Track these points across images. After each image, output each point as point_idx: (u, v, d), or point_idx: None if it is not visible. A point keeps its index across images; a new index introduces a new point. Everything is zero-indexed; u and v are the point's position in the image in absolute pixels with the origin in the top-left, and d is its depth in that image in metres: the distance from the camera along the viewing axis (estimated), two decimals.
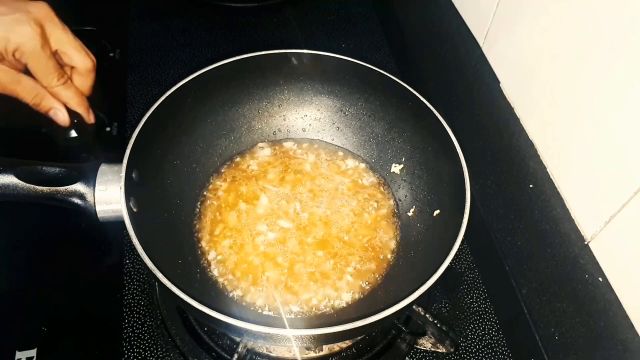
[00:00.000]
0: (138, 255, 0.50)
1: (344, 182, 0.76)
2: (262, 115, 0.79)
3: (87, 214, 0.55)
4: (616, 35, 0.47)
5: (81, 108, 0.64)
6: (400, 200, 0.75)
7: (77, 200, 0.54)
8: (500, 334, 0.71)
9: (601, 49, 0.49)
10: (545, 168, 0.60)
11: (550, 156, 0.59)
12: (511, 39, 0.65)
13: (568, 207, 0.56)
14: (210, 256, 0.68)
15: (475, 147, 0.74)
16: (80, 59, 0.61)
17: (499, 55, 0.69)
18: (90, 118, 0.66)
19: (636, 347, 0.48)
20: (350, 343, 0.66)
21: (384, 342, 0.67)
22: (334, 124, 0.80)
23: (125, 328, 0.68)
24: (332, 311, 0.65)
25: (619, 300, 0.50)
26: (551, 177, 0.59)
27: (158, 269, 0.49)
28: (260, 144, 0.80)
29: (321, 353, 0.65)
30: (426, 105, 0.67)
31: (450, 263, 0.52)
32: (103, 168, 0.56)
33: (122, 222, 0.53)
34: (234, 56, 0.70)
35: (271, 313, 0.64)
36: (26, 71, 0.59)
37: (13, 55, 0.56)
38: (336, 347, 0.66)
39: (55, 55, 0.59)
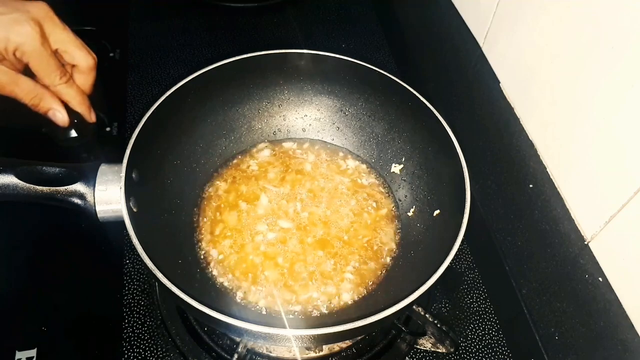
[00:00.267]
0: (138, 255, 0.50)
1: (344, 182, 0.76)
2: (262, 115, 0.79)
3: (87, 214, 0.55)
4: (616, 35, 0.47)
5: (83, 107, 0.64)
6: (400, 200, 0.75)
7: (77, 200, 0.54)
8: (500, 334, 0.71)
9: (601, 49, 0.49)
10: (545, 168, 0.60)
11: (550, 156, 0.59)
12: (511, 39, 0.65)
13: (568, 207, 0.56)
14: (210, 256, 0.68)
15: (475, 147, 0.74)
16: (82, 57, 0.61)
17: (499, 55, 0.69)
18: (91, 117, 0.66)
19: (636, 347, 0.48)
20: (350, 343, 0.66)
21: (384, 342, 0.67)
22: (334, 124, 0.80)
23: (125, 328, 0.68)
24: (332, 311, 0.64)
25: (619, 300, 0.50)
26: (551, 177, 0.59)
27: (158, 269, 0.49)
28: (260, 144, 0.80)
29: (321, 353, 0.65)
30: (426, 105, 0.67)
31: (450, 263, 0.52)
32: (103, 168, 0.56)
33: (122, 222, 0.53)
34: (234, 56, 0.70)
35: (271, 313, 0.64)
36: (28, 72, 0.59)
37: (14, 55, 0.56)
38: (336, 347, 0.66)
39: (55, 54, 0.59)
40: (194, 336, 0.66)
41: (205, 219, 0.71)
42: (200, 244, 0.69)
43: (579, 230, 0.55)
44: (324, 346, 0.65)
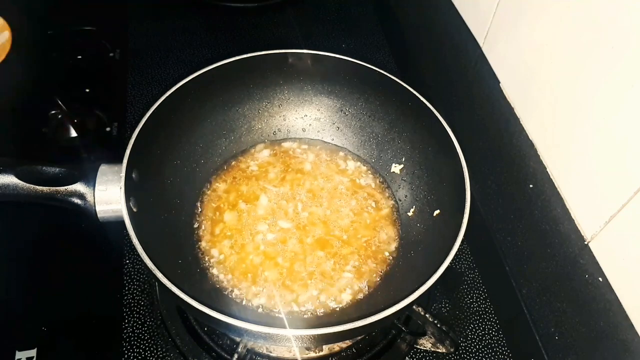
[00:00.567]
0: (138, 255, 0.50)
1: (344, 182, 0.76)
2: (262, 115, 0.79)
3: (87, 214, 0.55)
4: (616, 35, 0.47)
5: None
6: (400, 200, 0.75)
7: (77, 200, 0.54)
8: (500, 334, 0.71)
9: (601, 49, 0.49)
10: (545, 168, 0.60)
11: (550, 156, 0.59)
12: (511, 39, 0.65)
13: (568, 207, 0.56)
14: (210, 256, 0.68)
15: (475, 147, 0.74)
16: None
17: (499, 55, 0.69)
18: None
19: (636, 347, 0.48)
20: (350, 343, 0.66)
21: (384, 342, 0.67)
22: (334, 124, 0.80)
23: (125, 328, 0.68)
24: (332, 311, 0.65)
25: (619, 300, 0.50)
26: (551, 177, 0.59)
27: (158, 269, 0.49)
28: (260, 144, 0.80)
29: (321, 353, 0.65)
30: (426, 105, 0.67)
31: (450, 263, 0.52)
32: (103, 168, 0.56)
33: (122, 222, 0.53)
34: (234, 56, 0.70)
35: (271, 313, 0.64)
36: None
37: None
38: (336, 347, 0.66)
39: None
40: (194, 336, 0.66)
41: (205, 219, 0.71)
42: (200, 244, 0.69)
43: (579, 230, 0.55)
44: (324, 346, 0.65)
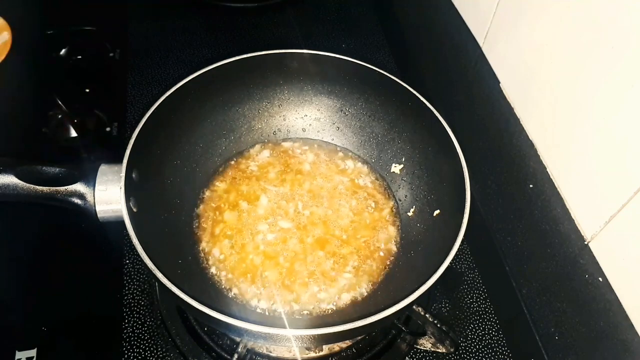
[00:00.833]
0: (138, 255, 0.50)
1: (344, 182, 0.76)
2: (262, 115, 0.79)
3: (87, 214, 0.55)
4: (616, 35, 0.47)
5: None
6: (400, 200, 0.75)
7: (77, 200, 0.54)
8: (500, 334, 0.71)
9: (601, 49, 0.49)
10: (545, 168, 0.60)
11: (550, 156, 0.59)
12: (511, 39, 0.65)
13: (568, 207, 0.56)
14: (211, 256, 0.68)
15: (475, 147, 0.74)
16: None
17: (499, 55, 0.69)
18: None
19: (636, 347, 0.48)
20: (350, 343, 0.66)
21: (384, 342, 0.67)
22: (334, 124, 0.80)
23: (125, 328, 0.68)
24: (332, 311, 0.65)
25: (619, 300, 0.50)
26: (551, 177, 0.59)
27: (158, 269, 0.49)
28: (260, 144, 0.80)
29: (321, 353, 0.65)
30: (426, 105, 0.67)
31: (450, 263, 0.52)
32: (103, 168, 0.56)
33: (122, 222, 0.53)
34: (234, 56, 0.70)
35: (271, 313, 0.64)
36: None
37: None
38: (336, 347, 0.66)
39: None
40: (194, 336, 0.66)
41: (205, 219, 0.71)
42: (200, 243, 0.69)
43: (579, 230, 0.55)
44: (324, 346, 0.65)
